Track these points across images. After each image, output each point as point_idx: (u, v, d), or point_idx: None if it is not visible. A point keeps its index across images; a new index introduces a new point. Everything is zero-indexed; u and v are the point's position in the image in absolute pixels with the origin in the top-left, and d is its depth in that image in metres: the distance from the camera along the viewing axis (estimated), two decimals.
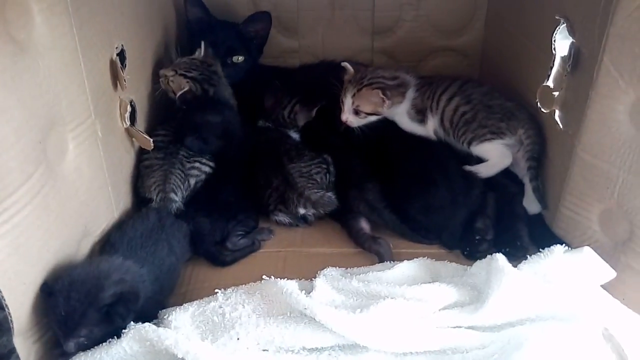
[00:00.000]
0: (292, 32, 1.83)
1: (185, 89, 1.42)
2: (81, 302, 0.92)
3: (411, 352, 0.95)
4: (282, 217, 1.36)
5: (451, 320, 0.99)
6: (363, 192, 1.32)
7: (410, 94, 1.44)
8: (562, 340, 0.91)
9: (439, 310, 1.00)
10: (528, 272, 1.02)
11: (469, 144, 1.37)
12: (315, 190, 1.33)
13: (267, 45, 1.74)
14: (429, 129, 1.45)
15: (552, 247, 1.05)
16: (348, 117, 1.45)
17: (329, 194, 1.34)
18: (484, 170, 1.35)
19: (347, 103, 1.45)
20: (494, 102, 1.38)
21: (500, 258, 1.02)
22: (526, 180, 1.32)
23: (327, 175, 1.40)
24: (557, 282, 1.01)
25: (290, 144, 1.50)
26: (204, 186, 1.37)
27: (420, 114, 1.44)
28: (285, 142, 1.49)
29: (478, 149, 1.36)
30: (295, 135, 1.55)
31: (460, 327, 0.98)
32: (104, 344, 0.94)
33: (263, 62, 1.78)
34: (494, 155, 1.35)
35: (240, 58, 1.66)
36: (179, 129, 1.39)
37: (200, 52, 1.51)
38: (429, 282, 1.06)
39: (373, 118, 1.45)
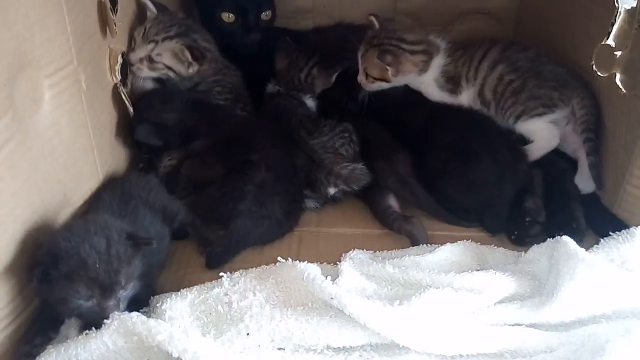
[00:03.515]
0: None
1: None
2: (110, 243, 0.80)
3: (461, 355, 0.80)
4: (309, 203, 1.18)
5: (510, 316, 0.84)
6: (392, 165, 1.16)
7: (439, 60, 1.29)
8: None
9: (495, 304, 0.86)
10: (603, 259, 0.86)
11: (517, 118, 1.21)
12: (345, 164, 1.16)
13: (277, 4, 1.57)
14: (463, 100, 1.29)
15: (631, 229, 0.94)
16: (361, 79, 1.31)
17: (360, 166, 1.17)
18: (529, 153, 1.20)
19: (359, 64, 1.30)
20: (544, 68, 1.22)
21: (569, 241, 0.88)
22: (581, 154, 1.17)
23: (352, 145, 1.22)
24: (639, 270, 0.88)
25: (302, 114, 1.32)
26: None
27: (451, 83, 1.29)
28: (296, 112, 1.32)
29: (525, 126, 1.21)
30: (310, 102, 1.38)
31: (520, 324, 0.84)
32: (79, 337, 0.78)
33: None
34: (541, 137, 1.20)
35: (269, 13, 1.48)
36: None
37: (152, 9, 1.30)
38: (479, 270, 0.90)
39: (385, 85, 1.29)
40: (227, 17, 1.43)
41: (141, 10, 1.31)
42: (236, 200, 1.05)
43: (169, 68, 1.27)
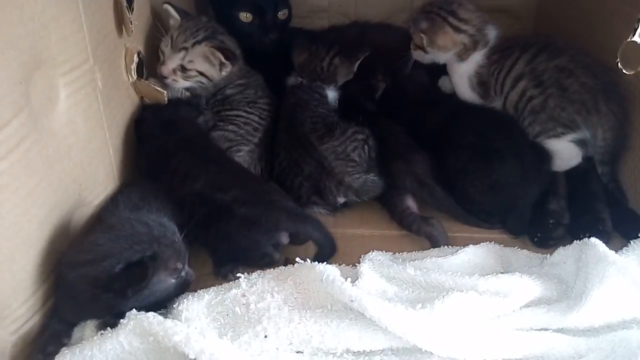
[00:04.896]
0: None
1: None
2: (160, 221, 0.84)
3: None
4: (318, 209, 1.15)
5: (536, 320, 0.80)
6: (410, 165, 1.12)
7: (478, 56, 1.22)
8: None
9: (520, 308, 0.81)
10: (634, 262, 0.82)
11: (535, 137, 1.16)
12: (357, 176, 1.12)
13: (292, 3, 1.54)
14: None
15: None
16: (412, 46, 1.28)
17: (372, 176, 1.14)
18: None
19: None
20: (571, 82, 1.12)
21: (598, 243, 0.84)
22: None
23: (366, 148, 1.18)
24: None
25: (316, 115, 1.26)
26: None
27: (481, 87, 1.24)
28: (314, 111, 1.26)
29: (544, 145, 1.16)
30: (333, 93, 1.34)
31: (547, 329, 0.80)
32: (95, 338, 0.76)
33: None
34: (559, 156, 1.15)
35: (285, 12, 1.46)
36: None
37: (176, 17, 1.28)
38: (503, 273, 0.87)
39: (427, 57, 1.25)
40: (245, 16, 1.40)
41: (158, 12, 1.30)
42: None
43: (202, 74, 1.25)
